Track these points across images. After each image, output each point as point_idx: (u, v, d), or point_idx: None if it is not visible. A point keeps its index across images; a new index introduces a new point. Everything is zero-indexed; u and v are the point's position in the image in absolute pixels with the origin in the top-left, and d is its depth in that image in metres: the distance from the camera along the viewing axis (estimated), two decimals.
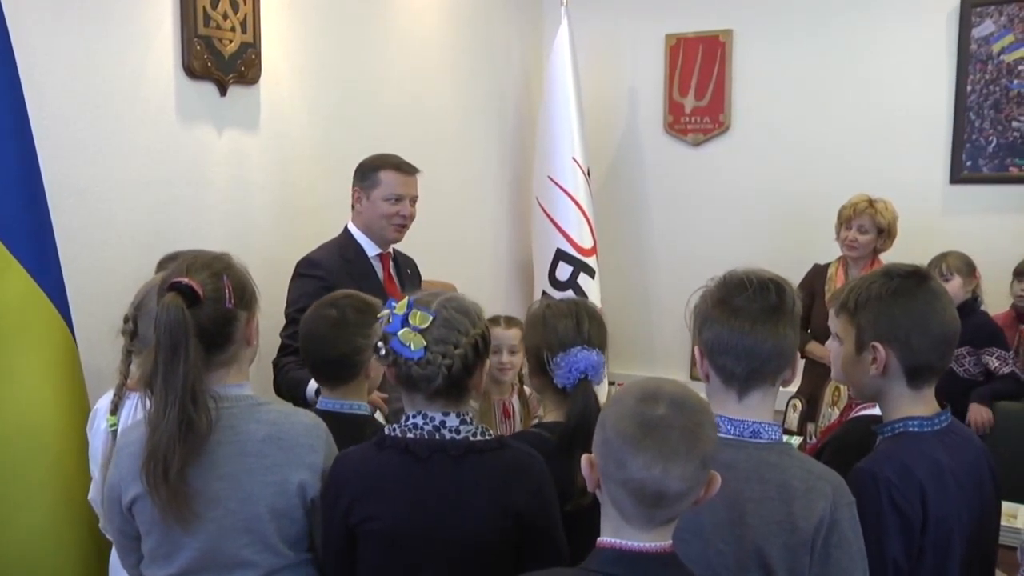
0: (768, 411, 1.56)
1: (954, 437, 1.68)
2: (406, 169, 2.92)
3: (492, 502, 1.58)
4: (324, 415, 1.98)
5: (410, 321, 1.57)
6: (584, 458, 1.29)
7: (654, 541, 1.25)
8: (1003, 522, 2.46)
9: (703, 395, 1.45)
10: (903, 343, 1.63)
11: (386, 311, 1.63)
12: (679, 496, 1.23)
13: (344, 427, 1.85)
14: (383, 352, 1.60)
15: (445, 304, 1.61)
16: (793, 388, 3.63)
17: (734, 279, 1.55)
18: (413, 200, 2.94)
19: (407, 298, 1.62)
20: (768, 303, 1.51)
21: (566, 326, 1.93)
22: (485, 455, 1.60)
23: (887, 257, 3.77)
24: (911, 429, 1.64)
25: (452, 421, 1.61)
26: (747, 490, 1.46)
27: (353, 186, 2.94)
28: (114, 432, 1.98)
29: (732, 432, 1.52)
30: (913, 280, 1.68)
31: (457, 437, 1.60)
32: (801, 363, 1.90)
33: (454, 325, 1.59)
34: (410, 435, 1.61)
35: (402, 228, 2.93)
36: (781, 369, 1.53)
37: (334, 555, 1.66)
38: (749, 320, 1.50)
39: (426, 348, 1.56)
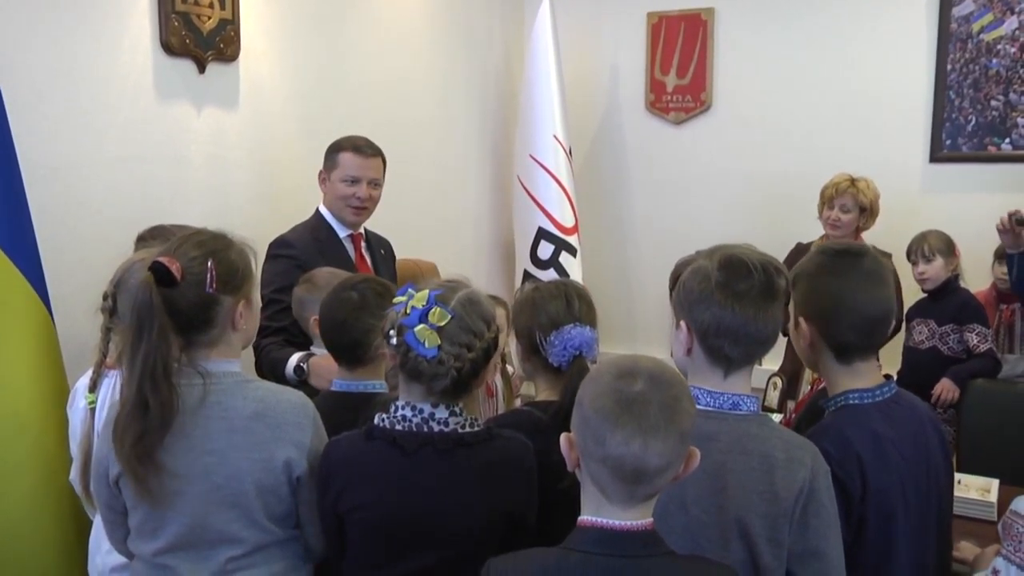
0: (747, 386, 1.57)
1: (898, 408, 1.70)
2: (365, 151, 2.90)
3: (480, 498, 1.57)
4: (337, 396, 2.02)
5: (429, 318, 1.55)
6: (563, 437, 1.30)
7: (635, 519, 1.25)
8: (977, 496, 2.51)
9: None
10: (823, 321, 1.67)
11: (402, 298, 1.60)
12: (659, 471, 1.23)
13: (358, 405, 1.84)
14: (394, 341, 1.58)
15: (464, 304, 1.59)
16: (774, 366, 3.66)
17: (736, 262, 1.53)
18: (372, 182, 2.91)
19: (428, 291, 1.59)
20: (770, 289, 1.51)
21: (556, 306, 1.94)
22: (474, 448, 1.59)
23: (869, 235, 3.81)
24: (851, 401, 1.67)
25: (441, 413, 1.60)
26: (729, 461, 1.47)
27: (322, 167, 2.94)
28: (93, 409, 1.97)
29: (712, 404, 1.53)
30: (844, 259, 1.70)
31: (446, 430, 1.59)
32: (783, 341, 1.91)
33: (471, 327, 1.58)
34: (398, 427, 1.60)
35: (360, 210, 2.91)
36: (770, 349, 1.55)
37: (328, 532, 1.68)
38: (753, 307, 1.50)
39: (440, 347, 1.54)
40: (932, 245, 3.53)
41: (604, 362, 1.32)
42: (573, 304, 1.94)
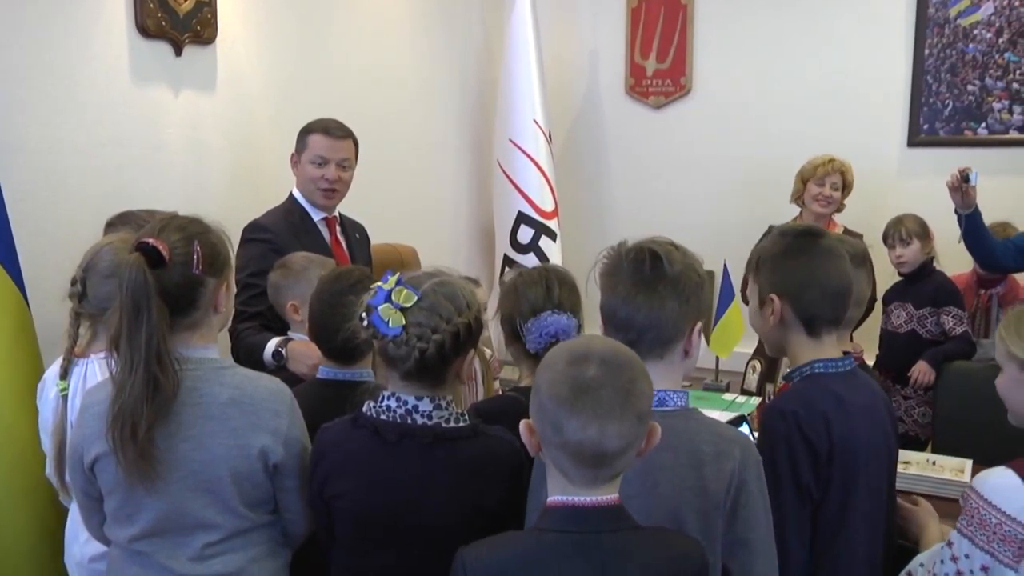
0: (673, 381, 1.56)
1: (856, 380, 1.76)
2: (335, 133, 2.88)
3: (457, 495, 1.57)
4: (323, 384, 2.01)
5: (393, 297, 1.55)
6: (522, 424, 1.30)
7: (601, 495, 1.27)
8: (951, 476, 2.55)
9: None
10: (795, 296, 1.72)
11: (378, 283, 1.60)
12: (619, 453, 1.24)
13: (345, 393, 1.83)
14: (365, 324, 1.58)
15: (435, 287, 1.58)
16: (750, 349, 3.69)
17: (618, 249, 1.56)
18: (342, 164, 2.89)
19: (399, 274, 1.59)
20: (642, 274, 1.51)
21: (536, 293, 1.95)
22: (456, 444, 1.58)
23: (845, 217, 3.86)
24: (817, 370, 1.73)
25: (425, 406, 1.58)
26: (658, 459, 1.46)
27: (294, 150, 2.94)
28: (65, 397, 1.97)
29: None
30: (805, 238, 1.77)
31: (428, 423, 1.58)
32: None
33: (438, 310, 1.56)
34: (383, 416, 1.59)
35: (329, 192, 2.89)
36: (665, 341, 1.52)
37: (317, 514, 1.68)
38: (623, 289, 1.52)
39: (404, 327, 1.53)
40: (909, 228, 3.57)
41: (558, 347, 1.32)
42: (553, 290, 1.95)
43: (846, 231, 3.77)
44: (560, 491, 1.28)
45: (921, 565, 1.68)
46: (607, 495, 1.27)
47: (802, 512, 1.65)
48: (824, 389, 1.69)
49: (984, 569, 1.51)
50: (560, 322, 1.90)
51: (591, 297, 1.61)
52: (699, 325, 1.56)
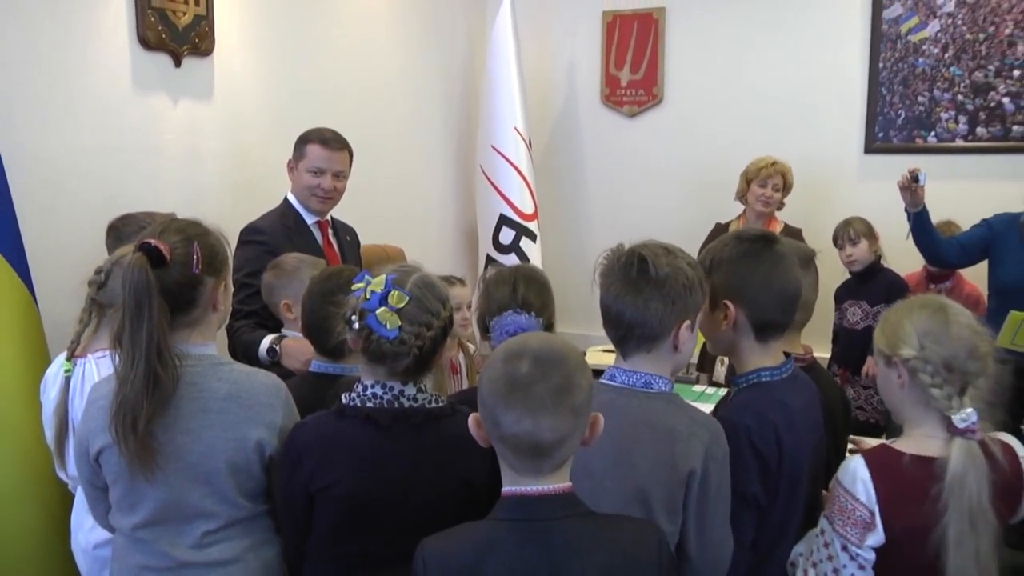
0: (661, 369, 1.58)
1: (797, 383, 1.74)
2: (332, 145, 2.87)
3: (448, 472, 1.58)
4: (315, 377, 2.00)
5: (389, 301, 1.54)
6: (471, 418, 1.31)
7: (551, 483, 1.26)
8: None
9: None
10: (750, 301, 1.68)
11: (360, 284, 1.59)
12: (556, 445, 1.23)
13: (335, 386, 1.80)
14: (356, 326, 1.57)
15: (420, 286, 1.59)
16: None
17: (615, 251, 1.59)
18: (337, 175, 2.88)
19: (385, 276, 1.58)
20: (629, 276, 1.54)
21: (503, 292, 1.94)
22: (441, 422, 1.60)
23: (801, 219, 3.90)
24: (763, 379, 1.70)
25: (410, 391, 1.60)
26: (635, 434, 1.50)
27: (291, 156, 2.92)
28: (68, 378, 1.96)
29: (626, 382, 1.57)
30: (760, 244, 1.72)
31: (415, 405, 1.60)
32: None
33: (428, 307, 1.58)
34: (370, 404, 1.59)
35: (325, 200, 2.88)
36: (652, 337, 1.54)
37: (293, 518, 1.65)
38: (615, 289, 1.55)
39: (400, 328, 1.54)
40: (857, 229, 3.62)
41: (500, 345, 1.33)
42: (519, 289, 1.94)
43: (786, 227, 3.82)
44: (511, 481, 1.29)
45: (800, 554, 1.68)
46: (556, 484, 1.27)
47: (747, 516, 1.63)
48: (773, 400, 1.67)
49: (844, 549, 1.55)
50: (519, 321, 1.88)
51: (594, 295, 1.63)
52: (688, 323, 1.56)
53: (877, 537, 1.54)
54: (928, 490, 1.50)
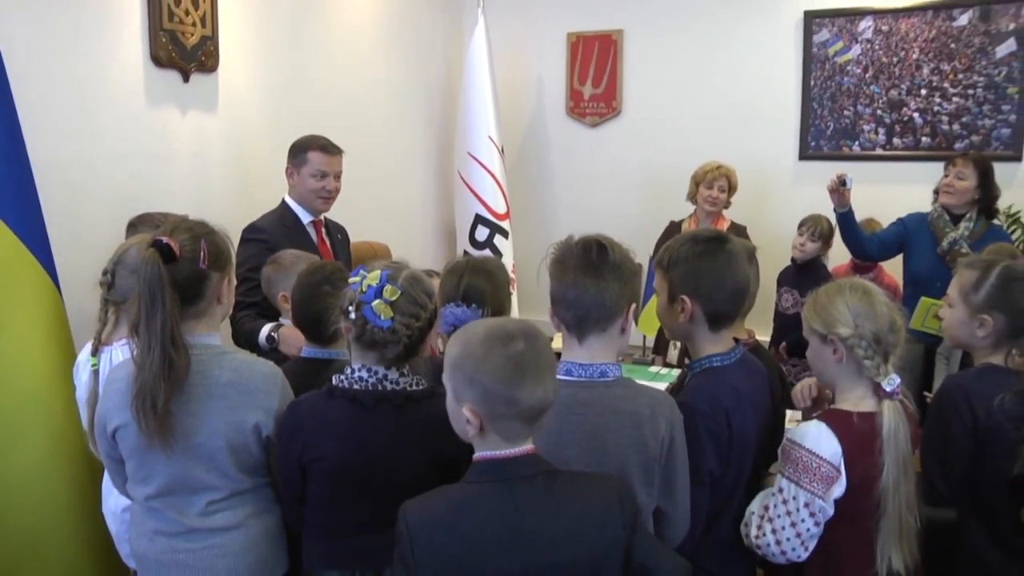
0: (610, 354, 1.56)
1: (746, 366, 1.76)
2: (331, 150, 2.90)
3: (426, 446, 1.57)
4: (307, 361, 1.99)
5: (383, 294, 1.54)
6: (466, 410, 1.28)
7: (519, 447, 1.29)
8: None
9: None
10: (705, 297, 1.67)
11: (356, 279, 1.58)
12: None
13: (324, 370, 1.84)
14: (352, 316, 1.56)
15: (410, 281, 1.58)
16: None
17: (567, 242, 1.56)
18: (337, 176, 2.92)
19: (379, 271, 1.57)
20: (588, 260, 1.51)
21: (450, 283, 1.89)
22: (421, 403, 1.59)
23: (743, 215, 3.95)
24: (715, 364, 1.70)
25: (393, 375, 1.59)
26: (604, 423, 1.49)
27: (287, 163, 2.93)
28: (95, 371, 1.94)
29: (584, 375, 1.53)
30: (715, 244, 1.70)
31: (397, 388, 1.59)
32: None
33: (417, 300, 1.57)
34: (356, 386, 1.59)
35: (328, 200, 2.92)
36: (609, 317, 1.53)
37: (290, 487, 1.66)
38: (572, 274, 1.51)
39: (393, 319, 1.54)
40: (822, 229, 3.62)
41: (479, 338, 1.29)
42: (463, 281, 1.88)
43: (732, 224, 3.84)
44: (484, 448, 1.30)
45: (752, 512, 1.68)
46: (523, 446, 1.29)
47: (703, 490, 1.63)
48: (724, 384, 1.67)
49: (807, 505, 1.58)
50: (456, 314, 1.83)
51: (542, 285, 1.61)
52: (634, 306, 1.56)
53: (840, 488, 1.56)
54: (873, 443, 1.56)
